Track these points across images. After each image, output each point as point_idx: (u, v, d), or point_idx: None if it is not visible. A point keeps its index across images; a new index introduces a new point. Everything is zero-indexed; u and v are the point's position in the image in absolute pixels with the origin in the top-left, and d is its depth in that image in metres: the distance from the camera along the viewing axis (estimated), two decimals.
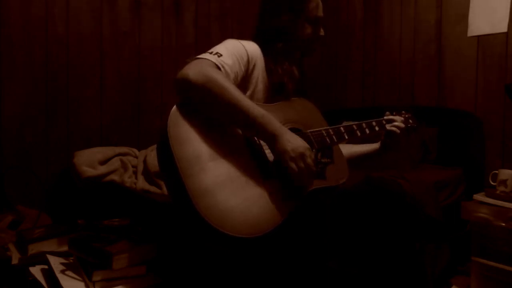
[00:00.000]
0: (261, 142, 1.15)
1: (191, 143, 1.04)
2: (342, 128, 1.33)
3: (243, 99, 1.09)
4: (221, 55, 1.17)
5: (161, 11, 2.50)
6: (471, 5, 2.47)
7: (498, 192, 1.91)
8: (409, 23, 2.77)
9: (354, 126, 1.37)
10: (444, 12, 2.60)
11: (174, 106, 1.08)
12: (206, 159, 1.04)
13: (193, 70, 1.08)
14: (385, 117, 1.49)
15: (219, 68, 1.14)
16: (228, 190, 1.02)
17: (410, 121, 1.55)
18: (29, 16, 2.02)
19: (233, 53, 1.22)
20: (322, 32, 1.40)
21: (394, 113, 1.54)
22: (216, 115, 1.11)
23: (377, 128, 1.43)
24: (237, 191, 1.04)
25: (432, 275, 1.63)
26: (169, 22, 2.53)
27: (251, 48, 1.29)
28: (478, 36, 2.45)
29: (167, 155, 1.01)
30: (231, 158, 1.08)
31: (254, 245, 1.05)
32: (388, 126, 1.45)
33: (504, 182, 1.92)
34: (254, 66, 1.28)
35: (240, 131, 1.14)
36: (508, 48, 2.34)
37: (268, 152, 1.15)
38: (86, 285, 1.24)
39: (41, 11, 2.06)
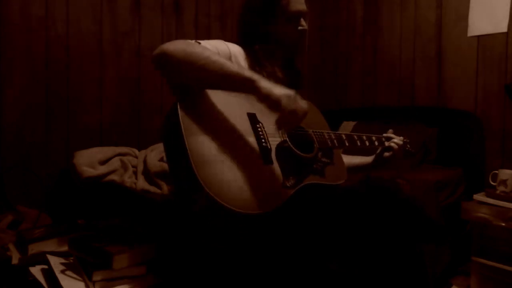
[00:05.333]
0: (265, 129, 1.18)
1: (199, 118, 1.07)
2: (343, 135, 1.36)
3: (227, 63, 1.09)
4: (199, 42, 1.19)
5: (161, 11, 2.49)
6: (471, 5, 2.47)
7: (498, 192, 1.91)
8: (409, 23, 2.77)
9: (355, 136, 1.40)
10: (444, 12, 2.60)
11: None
12: (211, 133, 1.06)
13: (172, 45, 1.09)
14: (384, 135, 1.51)
15: None
16: (227, 165, 1.05)
17: (408, 146, 1.56)
18: (29, 16, 2.02)
19: (212, 45, 1.24)
20: (301, 26, 1.36)
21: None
22: (201, 83, 1.11)
23: (376, 143, 1.46)
24: (237, 168, 1.06)
25: (433, 275, 1.63)
26: (169, 22, 2.53)
27: (235, 49, 1.31)
28: (478, 36, 2.45)
29: (174, 124, 1.04)
30: (235, 139, 1.11)
31: (249, 227, 1.07)
32: (387, 143, 1.48)
33: (504, 182, 1.92)
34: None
35: (245, 117, 1.16)
36: (508, 48, 2.34)
37: (271, 139, 1.17)
38: (86, 285, 1.24)
39: (41, 11, 2.06)
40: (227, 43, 1.30)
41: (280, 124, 1.12)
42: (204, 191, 0.98)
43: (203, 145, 1.03)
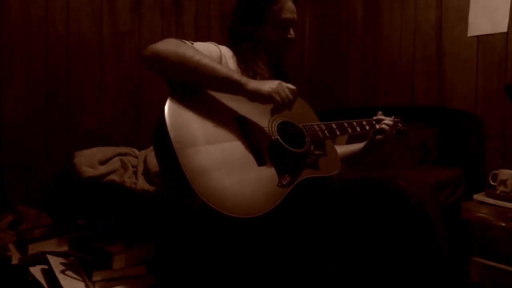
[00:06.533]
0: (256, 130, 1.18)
1: (187, 128, 1.08)
2: (333, 125, 1.37)
3: (212, 62, 1.15)
4: (192, 43, 1.24)
5: (161, 11, 2.49)
6: (471, 5, 2.47)
7: (498, 192, 1.91)
8: (409, 23, 2.77)
9: (345, 124, 1.41)
10: (444, 12, 2.60)
11: (168, 99, 1.13)
12: (201, 142, 1.08)
13: (163, 44, 1.15)
14: (374, 117, 1.52)
15: None
16: (223, 172, 1.06)
17: (399, 125, 1.56)
18: (29, 16, 2.02)
19: (205, 46, 1.28)
20: (290, 35, 1.40)
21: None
22: (190, 80, 1.16)
23: (367, 127, 1.47)
24: (232, 173, 1.07)
25: (432, 275, 1.63)
26: (169, 22, 2.53)
27: (225, 50, 1.34)
28: (478, 36, 2.45)
29: (163, 139, 1.05)
30: (226, 144, 1.12)
31: (250, 229, 1.07)
32: (377, 126, 1.49)
33: (504, 182, 1.92)
34: (226, 66, 1.30)
35: (233, 121, 1.17)
36: (508, 48, 2.34)
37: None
38: (86, 285, 1.24)
39: (41, 11, 2.06)
40: (217, 45, 1.34)
41: (274, 112, 1.21)
42: (201, 200, 0.98)
43: (196, 156, 1.04)
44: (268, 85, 1.15)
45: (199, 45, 1.26)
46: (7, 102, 1.98)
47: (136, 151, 2.14)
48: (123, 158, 2.03)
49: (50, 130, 2.10)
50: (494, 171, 2.01)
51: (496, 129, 2.38)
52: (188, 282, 1.28)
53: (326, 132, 1.33)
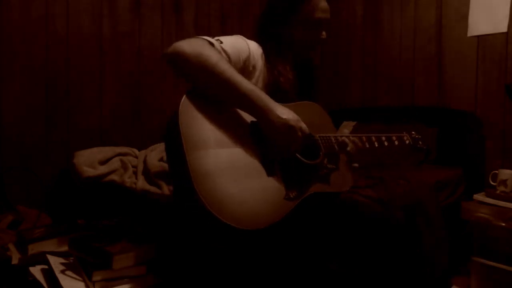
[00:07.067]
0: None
1: (200, 129, 1.05)
2: (351, 138, 1.31)
3: (235, 74, 1.09)
4: (222, 42, 1.19)
5: (161, 11, 2.49)
6: (471, 5, 2.47)
7: (498, 192, 1.91)
8: (409, 23, 2.77)
9: (364, 138, 1.34)
10: (444, 12, 2.60)
11: (185, 95, 1.08)
12: (212, 145, 1.04)
13: (188, 44, 1.11)
14: (395, 135, 1.46)
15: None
16: (229, 178, 1.02)
17: (420, 142, 1.53)
18: (29, 16, 2.02)
19: (235, 46, 1.22)
20: (323, 35, 1.36)
21: (404, 133, 1.51)
22: (208, 90, 1.10)
23: (386, 143, 1.41)
24: (239, 180, 1.03)
25: (433, 275, 1.63)
26: (169, 22, 2.53)
27: (254, 47, 1.29)
28: (478, 36, 2.45)
29: (175, 137, 1.02)
30: (237, 149, 1.08)
31: (251, 239, 1.05)
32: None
33: (504, 182, 1.92)
34: (254, 67, 1.28)
35: (248, 126, 1.14)
36: (508, 48, 2.34)
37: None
38: (86, 285, 1.24)
39: (41, 10, 2.06)
40: (246, 40, 1.28)
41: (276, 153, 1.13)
42: (204, 207, 0.96)
43: (204, 158, 1.01)
44: (283, 121, 1.09)
45: (228, 42, 1.20)
46: (7, 102, 1.98)
47: (136, 151, 2.14)
48: (123, 158, 2.03)
49: (50, 130, 2.10)
50: (494, 171, 2.01)
51: (496, 129, 2.38)
52: (188, 282, 1.28)
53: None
